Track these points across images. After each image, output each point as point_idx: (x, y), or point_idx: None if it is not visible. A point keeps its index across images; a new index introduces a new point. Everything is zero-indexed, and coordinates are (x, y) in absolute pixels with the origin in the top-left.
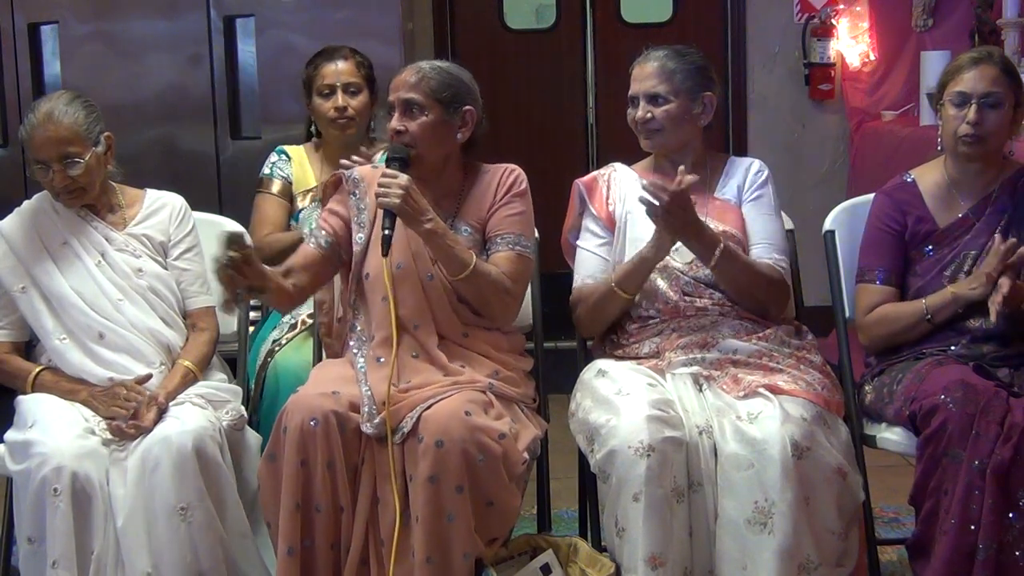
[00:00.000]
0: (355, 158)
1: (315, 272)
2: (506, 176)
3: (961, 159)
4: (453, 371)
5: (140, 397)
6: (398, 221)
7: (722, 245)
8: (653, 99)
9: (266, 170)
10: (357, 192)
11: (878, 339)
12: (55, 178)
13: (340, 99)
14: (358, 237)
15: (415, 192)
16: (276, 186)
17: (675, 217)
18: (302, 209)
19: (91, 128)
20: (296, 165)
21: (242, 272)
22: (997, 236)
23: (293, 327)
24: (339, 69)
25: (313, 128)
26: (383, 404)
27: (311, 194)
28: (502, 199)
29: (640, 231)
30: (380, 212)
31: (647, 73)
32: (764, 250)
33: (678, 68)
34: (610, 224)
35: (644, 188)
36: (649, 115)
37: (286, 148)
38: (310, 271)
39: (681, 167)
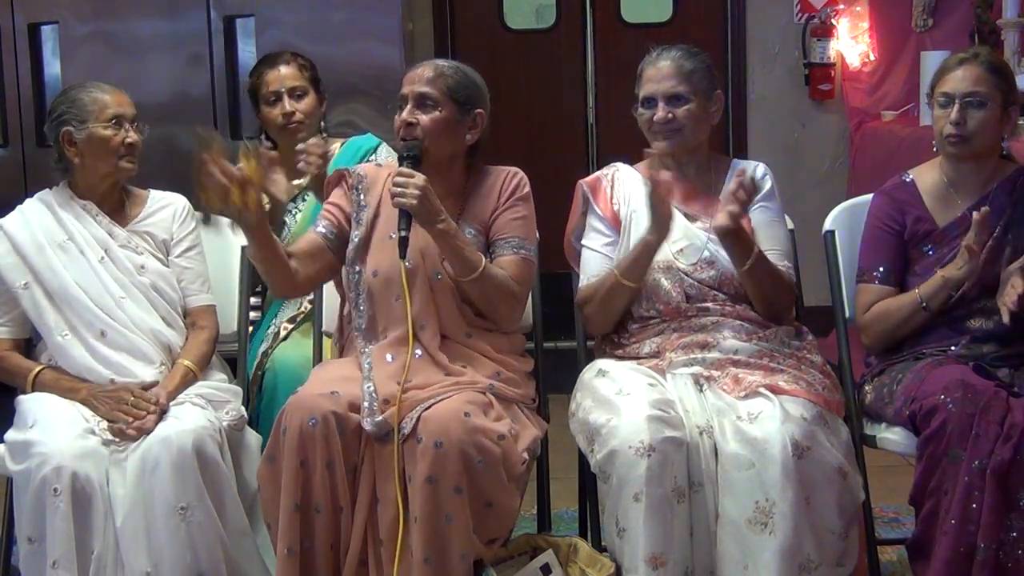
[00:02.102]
0: (309, 145)
1: (318, 261)
2: (509, 179)
3: (951, 159)
4: (455, 371)
5: (150, 407)
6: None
7: (757, 250)
8: (673, 99)
9: None
10: (360, 188)
11: (878, 335)
12: (129, 134)
13: (287, 104)
14: (354, 235)
15: (431, 192)
16: None
17: (735, 215)
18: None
19: None
20: None
21: (244, 189)
22: (974, 213)
23: (277, 336)
24: (282, 74)
25: (262, 136)
26: (385, 401)
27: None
28: (506, 202)
29: (644, 230)
30: (377, 212)
31: (664, 73)
32: (775, 257)
33: (695, 68)
34: (615, 223)
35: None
36: (670, 115)
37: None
38: (314, 259)
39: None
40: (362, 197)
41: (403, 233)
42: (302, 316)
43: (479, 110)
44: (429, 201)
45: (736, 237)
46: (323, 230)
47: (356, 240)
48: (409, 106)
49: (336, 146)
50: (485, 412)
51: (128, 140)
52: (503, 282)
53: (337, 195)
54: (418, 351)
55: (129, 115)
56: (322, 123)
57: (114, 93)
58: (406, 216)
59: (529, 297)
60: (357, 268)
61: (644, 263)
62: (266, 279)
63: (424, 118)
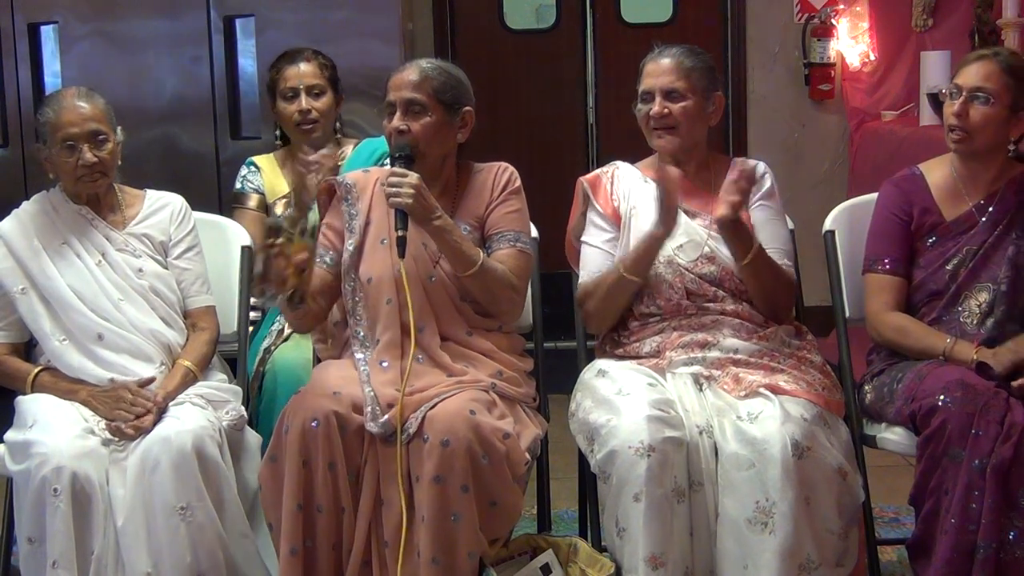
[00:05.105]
0: (321, 156)
1: (331, 292)
2: (500, 174)
3: (958, 155)
4: (457, 371)
5: (147, 403)
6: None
7: (758, 244)
8: (670, 95)
9: (239, 185)
10: (349, 198)
11: (889, 343)
12: (84, 156)
13: (304, 102)
14: (348, 244)
15: (425, 190)
16: (253, 201)
17: (736, 205)
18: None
19: (111, 114)
20: (266, 175)
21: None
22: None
23: (280, 333)
24: (301, 71)
25: (278, 132)
26: (388, 405)
27: (284, 200)
28: (499, 197)
29: (644, 226)
30: (368, 219)
31: (664, 69)
32: (775, 255)
33: (695, 66)
34: (615, 220)
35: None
36: (666, 111)
37: (255, 159)
38: (326, 293)
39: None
40: (353, 207)
41: (400, 233)
42: None
43: (467, 108)
44: (424, 199)
45: (737, 229)
46: (325, 260)
47: (350, 248)
48: (398, 113)
49: (349, 148)
50: (489, 410)
51: (82, 162)
52: (502, 275)
53: (331, 214)
54: (419, 356)
55: (84, 133)
56: (337, 123)
57: (69, 111)
58: (402, 216)
59: (529, 297)
60: (352, 276)
61: (650, 258)
62: (295, 326)
63: (415, 125)
